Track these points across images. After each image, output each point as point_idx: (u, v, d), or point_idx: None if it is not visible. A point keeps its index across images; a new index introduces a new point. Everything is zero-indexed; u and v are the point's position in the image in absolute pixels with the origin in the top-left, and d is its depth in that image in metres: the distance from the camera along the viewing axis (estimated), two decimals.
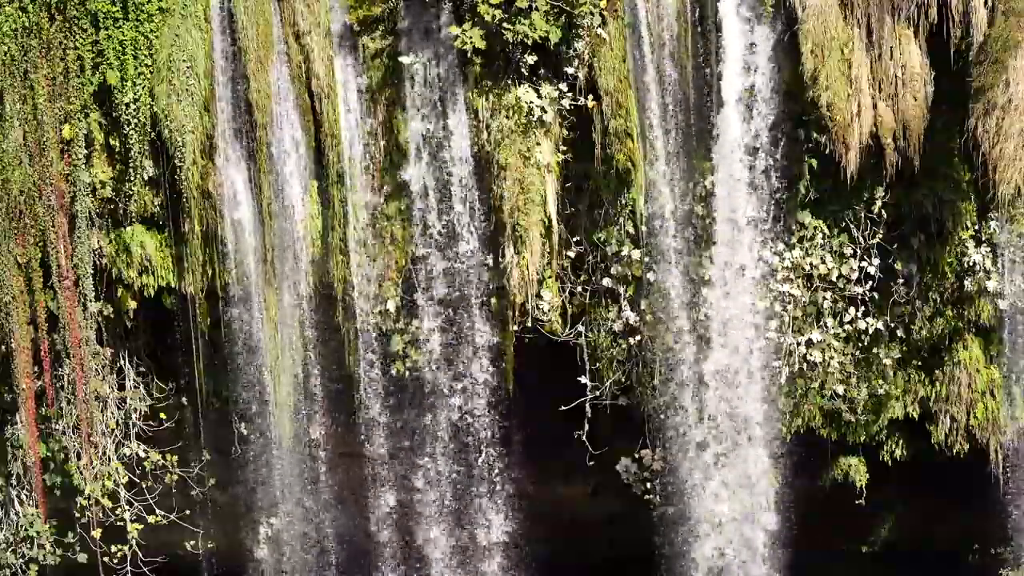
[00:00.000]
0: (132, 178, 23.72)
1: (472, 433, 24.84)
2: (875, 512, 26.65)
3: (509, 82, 23.20)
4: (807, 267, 24.22)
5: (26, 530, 25.21)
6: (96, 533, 25.03)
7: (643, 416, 24.96)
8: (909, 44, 23.27)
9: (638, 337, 24.51)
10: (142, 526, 25.30)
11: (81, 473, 24.85)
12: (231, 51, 23.39)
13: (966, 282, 24.15)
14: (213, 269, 24.14)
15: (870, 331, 24.51)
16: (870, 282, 24.32)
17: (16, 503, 25.26)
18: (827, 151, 23.45)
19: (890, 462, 25.53)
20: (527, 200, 23.34)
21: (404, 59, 23.15)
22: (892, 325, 24.57)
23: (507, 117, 23.20)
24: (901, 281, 24.39)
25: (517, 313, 24.12)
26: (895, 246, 24.24)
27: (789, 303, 24.31)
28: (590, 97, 23.41)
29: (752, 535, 25.04)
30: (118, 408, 25.11)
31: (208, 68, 23.36)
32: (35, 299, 24.10)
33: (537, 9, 22.73)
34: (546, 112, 23.27)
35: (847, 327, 24.53)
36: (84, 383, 24.43)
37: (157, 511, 25.40)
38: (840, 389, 24.79)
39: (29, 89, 23.41)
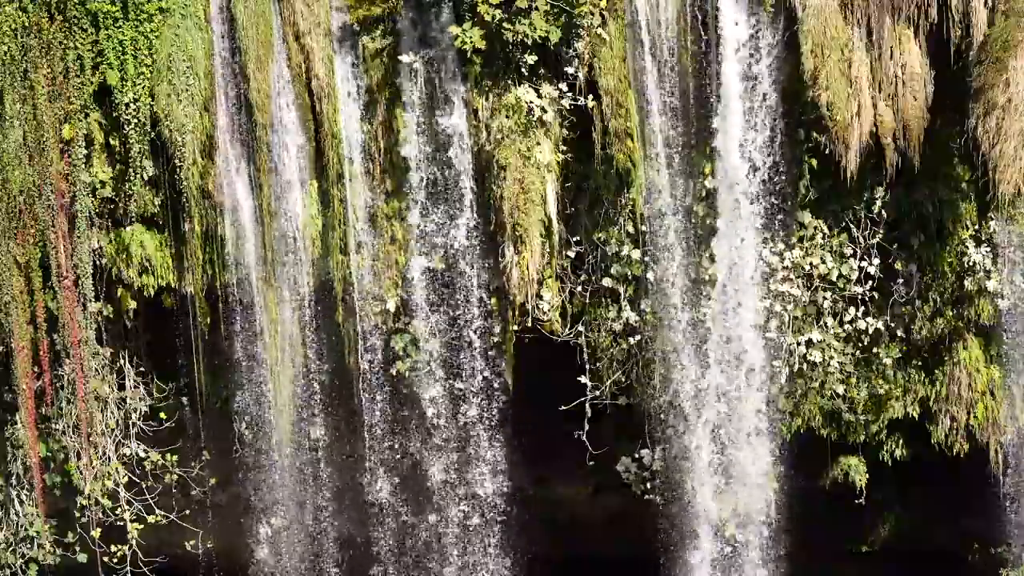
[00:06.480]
0: (132, 178, 23.71)
1: (472, 433, 24.84)
2: (875, 512, 26.65)
3: (509, 82, 23.19)
4: (807, 267, 24.22)
5: (26, 530, 25.22)
6: (96, 533, 25.04)
7: (643, 416, 24.97)
8: (909, 44, 23.27)
9: (638, 337, 24.51)
10: (142, 526, 25.30)
11: (81, 473, 24.86)
12: (231, 51, 23.39)
13: (966, 282, 24.15)
14: (213, 269, 24.14)
15: (870, 331, 24.52)
16: (870, 282, 24.32)
17: (16, 503, 25.26)
18: (827, 151, 23.44)
19: (890, 462, 25.54)
20: (527, 200, 23.34)
21: (404, 58, 23.16)
22: (892, 325, 24.57)
23: (507, 117, 23.20)
24: (901, 281, 24.40)
25: (517, 313, 24.12)
26: (895, 246, 24.24)
27: (789, 303, 24.31)
28: (590, 97, 23.41)
29: (752, 534, 25.04)
30: (118, 408, 25.11)
31: (208, 68, 23.36)
32: (35, 299, 24.10)
33: (537, 9, 22.73)
34: (546, 112, 23.27)
35: (847, 327, 24.53)
36: (84, 383, 24.43)
37: (157, 511, 25.41)
38: (840, 389, 24.79)
39: (29, 89, 23.40)
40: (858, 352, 24.70)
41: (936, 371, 24.81)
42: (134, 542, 25.30)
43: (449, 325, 24.31)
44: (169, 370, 25.28)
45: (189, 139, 23.40)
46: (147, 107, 23.37)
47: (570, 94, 23.39)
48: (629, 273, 24.24)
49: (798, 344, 24.48)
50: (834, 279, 24.32)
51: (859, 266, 24.28)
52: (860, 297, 24.40)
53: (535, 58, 23.07)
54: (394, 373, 24.57)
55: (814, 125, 23.42)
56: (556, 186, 23.73)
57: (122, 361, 25.20)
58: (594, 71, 23.34)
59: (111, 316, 24.59)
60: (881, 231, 24.15)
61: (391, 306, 24.34)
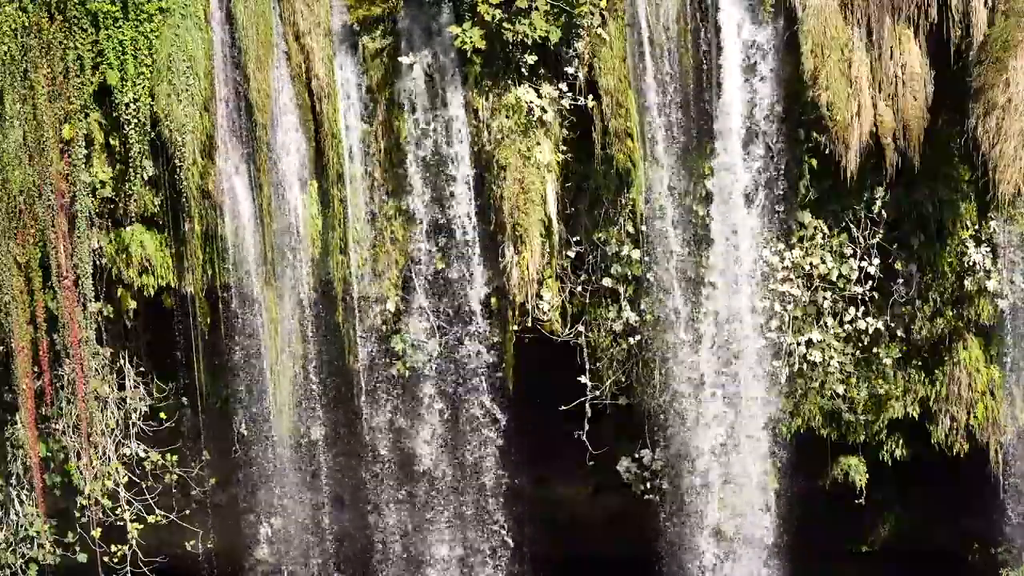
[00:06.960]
0: (132, 178, 23.71)
1: (472, 433, 24.84)
2: (875, 512, 26.65)
3: (509, 82, 23.19)
4: (807, 267, 24.22)
5: (26, 530, 25.21)
6: (96, 533, 25.04)
7: (643, 416, 24.97)
8: (909, 44, 23.27)
9: (638, 337, 24.51)
10: (142, 526, 25.30)
11: (81, 473, 24.86)
12: (231, 51, 23.39)
13: (966, 282, 24.15)
14: (213, 269, 24.14)
15: (870, 331, 24.51)
16: (870, 282, 24.32)
17: (16, 503, 25.26)
18: (827, 151, 23.44)
19: (890, 462, 25.54)
20: (527, 200, 23.34)
21: (404, 59, 23.15)
22: (892, 325, 24.57)
23: (507, 117, 23.20)
24: (901, 281, 24.40)
25: (517, 313, 24.11)
26: (895, 246, 24.24)
27: (789, 303, 24.31)
28: (590, 97, 23.41)
29: (752, 534, 25.04)
30: (118, 408, 25.11)
31: (208, 68, 23.36)
32: (35, 299, 24.10)
33: (537, 9, 22.73)
34: (546, 112, 23.27)
35: (847, 327, 24.53)
36: (84, 383, 24.43)
37: (157, 511, 25.40)
38: (840, 389, 24.79)
39: (29, 89, 23.39)
40: (858, 352, 24.70)
41: (936, 371, 24.81)
42: (134, 542, 25.30)
43: (449, 325, 24.31)
44: (169, 370, 25.27)
45: (189, 139, 23.40)
46: (147, 107, 23.37)
47: (570, 94, 23.39)
48: (629, 273, 24.24)
49: (798, 344, 24.48)
50: (834, 279, 24.32)
51: (859, 266, 24.28)
52: (860, 297, 24.40)
53: (535, 58, 23.07)
54: (394, 373, 24.57)
55: (814, 125, 23.42)
56: (556, 186, 23.73)
57: (122, 361, 25.20)
58: (594, 71, 23.34)
59: (111, 316, 24.59)
60: (881, 231, 24.16)
61: (391, 306, 24.34)
